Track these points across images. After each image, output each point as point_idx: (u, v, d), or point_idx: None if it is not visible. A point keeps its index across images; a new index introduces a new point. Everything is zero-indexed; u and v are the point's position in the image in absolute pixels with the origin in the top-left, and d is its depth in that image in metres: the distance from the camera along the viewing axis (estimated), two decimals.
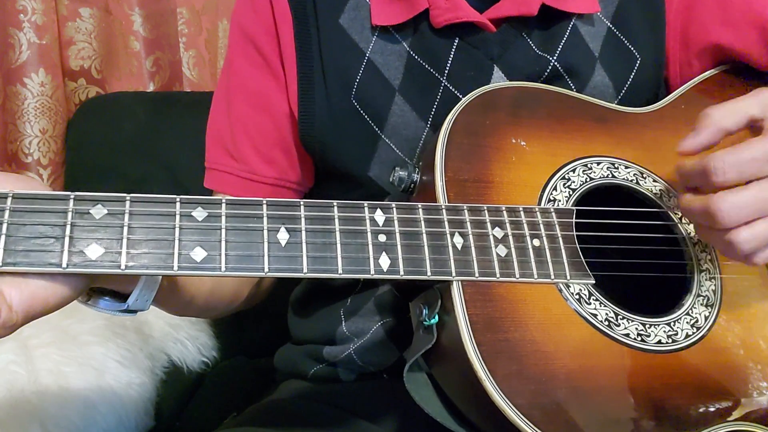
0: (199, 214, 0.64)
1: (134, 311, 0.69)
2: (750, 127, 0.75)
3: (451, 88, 0.92)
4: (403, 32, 0.94)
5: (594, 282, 0.76)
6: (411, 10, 0.92)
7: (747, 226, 0.70)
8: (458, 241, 0.72)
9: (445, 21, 0.91)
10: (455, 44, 0.92)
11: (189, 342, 1.45)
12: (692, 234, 0.85)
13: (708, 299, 0.81)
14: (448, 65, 0.92)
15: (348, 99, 0.94)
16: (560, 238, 0.77)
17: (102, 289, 0.68)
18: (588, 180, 0.83)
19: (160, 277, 0.69)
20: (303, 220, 0.67)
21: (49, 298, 0.60)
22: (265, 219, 0.66)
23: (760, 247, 0.72)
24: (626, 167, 0.86)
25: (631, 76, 0.96)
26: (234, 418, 1.01)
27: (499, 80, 0.92)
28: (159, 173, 1.62)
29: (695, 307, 0.80)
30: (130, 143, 1.65)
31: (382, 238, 0.70)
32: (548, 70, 0.93)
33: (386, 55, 0.94)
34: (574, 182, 0.82)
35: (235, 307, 1.03)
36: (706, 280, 0.82)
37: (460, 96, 0.91)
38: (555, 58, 0.93)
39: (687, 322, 0.79)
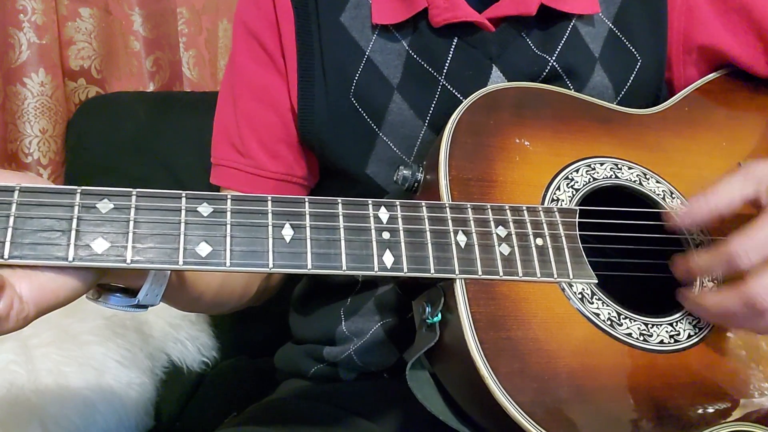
0: (205, 209, 0.64)
1: (145, 306, 0.70)
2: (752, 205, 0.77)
3: (449, 87, 0.92)
4: (403, 31, 0.94)
5: (597, 281, 0.77)
6: (410, 9, 0.92)
7: None
8: (462, 239, 0.72)
9: (444, 20, 0.91)
10: (454, 43, 0.93)
11: (189, 342, 1.45)
12: (694, 235, 0.85)
13: None
14: (447, 64, 0.93)
15: (347, 96, 0.94)
16: (563, 238, 0.77)
17: (111, 286, 0.69)
18: (591, 180, 0.83)
19: (169, 272, 0.70)
20: (308, 216, 0.67)
21: (59, 291, 0.60)
22: (270, 215, 0.66)
23: None
24: (629, 168, 0.86)
25: (631, 78, 0.96)
26: (234, 418, 1.01)
27: (497, 80, 0.92)
28: (159, 173, 1.62)
29: None
30: (130, 143, 1.65)
31: (385, 235, 0.70)
32: (547, 70, 0.93)
33: (386, 53, 0.94)
34: (577, 182, 0.82)
35: (245, 302, 1.03)
36: (708, 280, 0.82)
37: (459, 95, 0.92)
38: (554, 58, 0.93)
39: (689, 323, 0.79)
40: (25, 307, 0.58)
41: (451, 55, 0.92)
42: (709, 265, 0.75)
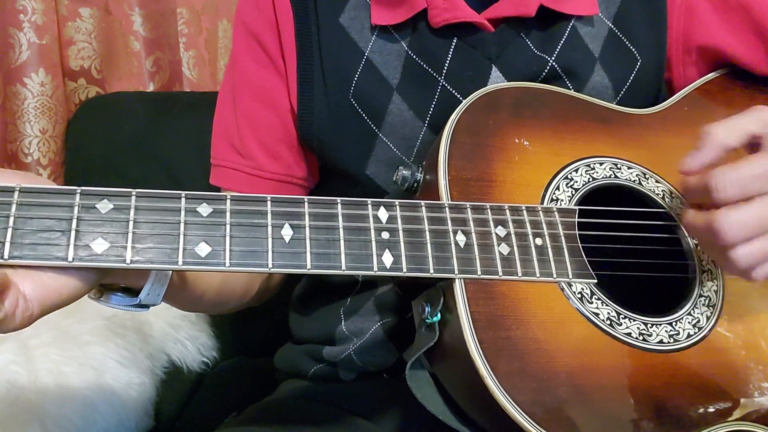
0: (204, 209, 0.65)
1: (146, 306, 0.70)
2: (749, 145, 0.75)
3: (449, 87, 0.92)
4: (402, 32, 0.94)
5: (596, 281, 0.77)
6: (410, 10, 0.92)
7: (746, 243, 0.71)
8: (461, 239, 0.72)
9: (443, 21, 0.91)
10: (453, 44, 0.92)
11: (189, 342, 1.45)
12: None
13: (710, 299, 0.81)
14: (446, 65, 0.92)
15: (346, 97, 0.94)
16: (563, 237, 0.77)
17: (113, 285, 0.69)
18: (591, 180, 0.83)
19: (171, 272, 0.70)
20: (307, 216, 0.68)
21: (62, 289, 0.60)
22: (269, 215, 0.66)
23: (758, 264, 0.72)
24: (629, 168, 0.86)
25: (631, 77, 0.96)
26: (234, 418, 1.01)
27: (497, 80, 0.92)
28: (159, 173, 1.62)
29: (697, 307, 0.80)
30: (130, 143, 1.65)
31: (385, 235, 0.70)
32: (546, 70, 0.93)
33: (385, 54, 0.94)
34: (576, 182, 0.83)
35: (246, 302, 1.03)
36: (707, 280, 0.82)
37: (458, 95, 0.92)
38: (553, 58, 0.93)
39: (689, 322, 0.79)
40: (29, 305, 0.58)
41: (450, 56, 0.92)
42: (692, 188, 0.75)
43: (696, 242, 0.84)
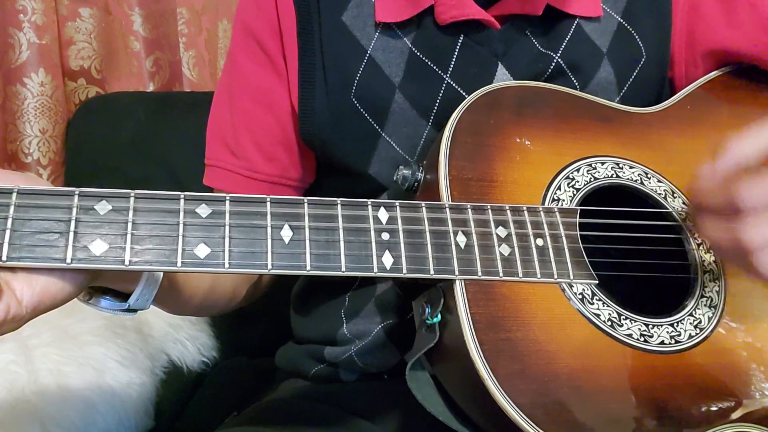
0: (203, 210, 0.64)
1: (134, 310, 0.70)
2: None
3: (454, 84, 0.92)
4: (406, 29, 0.93)
5: (597, 282, 0.76)
6: (416, 7, 0.91)
7: None
8: (461, 239, 0.72)
9: (451, 18, 0.90)
10: (460, 41, 0.92)
11: (189, 342, 1.45)
12: (696, 235, 0.84)
13: (711, 300, 0.81)
14: (453, 62, 0.92)
15: (348, 97, 0.93)
16: (564, 238, 0.76)
17: (102, 288, 0.69)
18: (592, 180, 0.83)
19: (161, 275, 0.70)
20: (307, 217, 0.67)
21: (57, 294, 0.60)
22: (268, 216, 0.66)
23: None
24: (631, 167, 0.86)
25: (635, 73, 0.96)
26: (234, 418, 1.01)
27: (502, 77, 0.92)
28: (159, 173, 1.63)
29: (699, 308, 0.80)
30: (130, 143, 1.65)
31: (385, 236, 0.69)
32: (552, 67, 0.93)
33: (388, 51, 0.93)
34: (578, 182, 0.82)
35: (233, 305, 1.03)
36: (709, 281, 0.82)
37: (463, 93, 0.91)
38: (558, 54, 0.93)
39: (690, 323, 0.79)
40: (22, 310, 0.58)
41: (457, 53, 0.91)
42: (710, 199, 0.73)
43: (700, 242, 0.84)
